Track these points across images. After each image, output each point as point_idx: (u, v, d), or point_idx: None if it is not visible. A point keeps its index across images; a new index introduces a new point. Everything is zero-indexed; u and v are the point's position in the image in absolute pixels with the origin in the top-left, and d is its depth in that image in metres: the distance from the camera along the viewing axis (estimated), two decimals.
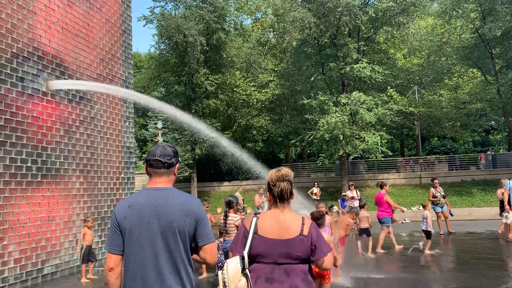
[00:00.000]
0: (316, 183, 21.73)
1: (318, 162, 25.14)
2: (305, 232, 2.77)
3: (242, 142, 39.46)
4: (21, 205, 9.01)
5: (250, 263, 2.79)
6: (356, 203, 16.26)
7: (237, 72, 29.86)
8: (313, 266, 3.00)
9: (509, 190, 12.12)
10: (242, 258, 2.75)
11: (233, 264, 2.76)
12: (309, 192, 20.72)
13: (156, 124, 39.71)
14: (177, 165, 2.86)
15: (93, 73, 11.76)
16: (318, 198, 20.22)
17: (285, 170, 2.91)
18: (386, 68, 24.80)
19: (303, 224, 2.80)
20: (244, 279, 2.72)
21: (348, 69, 22.36)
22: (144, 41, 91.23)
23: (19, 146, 9.05)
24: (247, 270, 2.74)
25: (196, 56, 24.63)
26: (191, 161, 27.21)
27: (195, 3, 27.36)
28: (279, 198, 2.84)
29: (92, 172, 11.46)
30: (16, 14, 9.17)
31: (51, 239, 9.83)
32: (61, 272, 10.04)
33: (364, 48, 24.30)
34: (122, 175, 12.97)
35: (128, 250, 2.59)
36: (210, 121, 26.67)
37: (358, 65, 22.22)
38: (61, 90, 10.35)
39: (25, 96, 9.29)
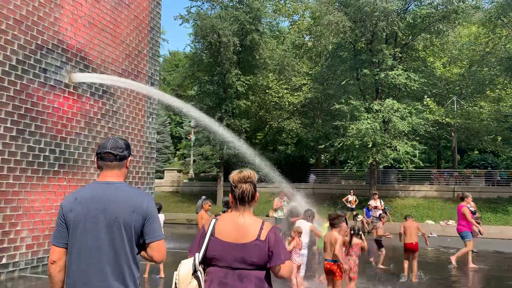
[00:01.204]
0: (352, 191, 21.15)
1: (345, 169, 24.59)
2: (262, 237, 2.67)
3: (274, 144, 39.39)
4: (36, 193, 9.25)
5: (207, 265, 2.74)
6: (378, 213, 15.75)
7: (270, 74, 29.74)
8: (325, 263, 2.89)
9: None
10: (194, 260, 2.70)
11: (186, 266, 2.70)
12: (344, 199, 20.30)
13: (190, 122, 40.33)
14: (130, 158, 2.80)
15: (118, 68, 11.97)
16: (353, 207, 19.74)
17: (248, 172, 2.82)
18: (423, 76, 23.94)
19: (261, 228, 2.71)
20: (195, 281, 2.65)
21: (382, 75, 21.76)
22: (184, 40, 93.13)
23: (38, 135, 9.30)
24: (198, 272, 2.68)
25: (229, 56, 24.71)
26: (218, 160, 27.33)
27: (231, 4, 27.49)
28: (239, 200, 2.76)
29: None
30: (43, 7, 9.45)
31: None
32: None
33: (401, 55, 23.59)
34: (142, 169, 13.13)
35: (71, 243, 2.55)
36: (240, 122, 26.65)
37: (393, 72, 21.59)
38: (84, 83, 10.58)
39: (47, 87, 9.55)
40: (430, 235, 17.76)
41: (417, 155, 23.18)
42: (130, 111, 12.51)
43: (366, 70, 22.53)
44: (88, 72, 10.77)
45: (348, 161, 24.94)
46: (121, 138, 2.76)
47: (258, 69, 27.77)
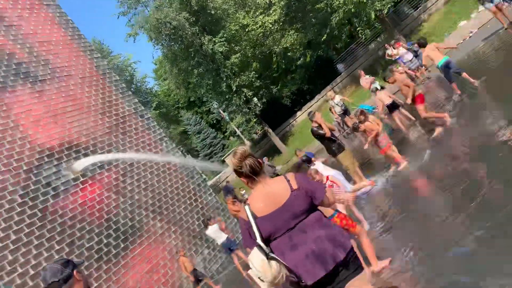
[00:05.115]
0: (387, 45, 18.64)
1: (361, 37, 23.32)
2: (295, 186, 2.75)
3: (291, 64, 38.16)
4: (123, 274, 9.81)
5: (269, 244, 2.78)
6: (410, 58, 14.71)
7: (236, 14, 28.54)
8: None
9: None
10: (260, 247, 2.73)
11: (256, 257, 2.73)
12: (386, 56, 18.14)
13: (212, 104, 40.42)
14: (75, 271, 2.74)
15: (103, 128, 12.06)
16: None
17: (240, 149, 2.91)
18: None
19: (288, 181, 2.79)
20: (273, 263, 2.69)
21: None
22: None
23: (86, 232, 9.74)
24: (271, 254, 2.72)
25: (191, 31, 24.05)
26: (256, 119, 27.29)
27: None
28: (252, 174, 2.80)
29: (170, 214, 11.93)
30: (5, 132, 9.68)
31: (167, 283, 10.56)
32: None
33: None
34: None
35: None
36: (249, 75, 26.19)
37: None
38: (88, 167, 10.77)
39: (62, 195, 9.89)
40: (470, 34, 16.47)
41: None
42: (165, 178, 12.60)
43: None
44: (84, 154, 10.96)
45: (358, 28, 23.75)
46: (57, 260, 2.74)
47: (223, 20, 26.82)
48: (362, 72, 16.75)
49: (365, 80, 15.57)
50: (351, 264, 2.68)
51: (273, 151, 28.31)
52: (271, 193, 2.75)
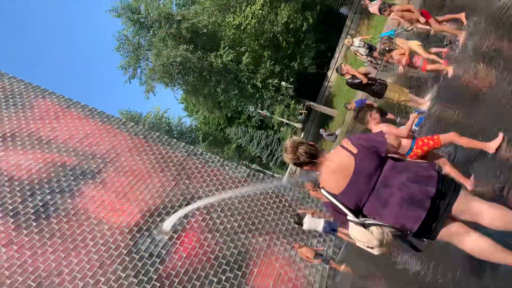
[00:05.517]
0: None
1: None
2: (355, 150, 2.76)
3: (297, 35, 37.44)
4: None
5: (359, 214, 2.81)
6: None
7: (226, 20, 28.59)
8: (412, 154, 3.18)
9: None
10: (353, 221, 2.78)
11: (356, 231, 2.79)
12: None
13: (248, 109, 40.62)
14: None
15: (170, 185, 12.56)
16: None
17: (288, 143, 2.93)
18: None
19: (346, 149, 2.80)
20: (373, 228, 2.74)
21: None
22: None
23: (204, 276, 10.17)
24: (367, 221, 2.76)
25: (195, 58, 24.41)
26: (294, 101, 27.12)
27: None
28: (312, 158, 2.84)
29: (264, 225, 12.19)
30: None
31: None
32: None
33: None
34: None
35: None
36: (266, 67, 25.97)
37: None
38: (175, 224, 11.27)
39: (164, 256, 10.41)
40: None
41: None
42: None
43: None
44: (166, 214, 11.49)
45: None
46: None
47: (218, 32, 27.03)
48: (367, 1, 16.17)
49: (373, 6, 14.98)
50: (447, 189, 2.61)
51: (326, 120, 27.99)
52: (337, 168, 2.76)
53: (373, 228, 2.69)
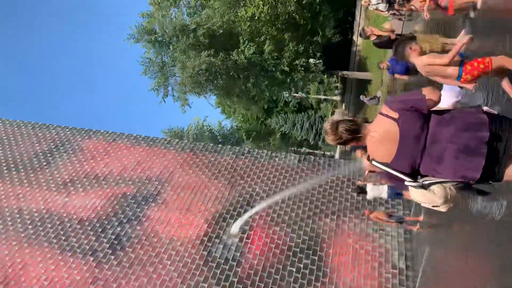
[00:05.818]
0: None
1: None
2: (396, 115, 2.68)
3: (313, 8, 36.77)
4: (337, 277, 10.11)
5: (416, 174, 2.77)
6: None
7: (239, 14, 28.51)
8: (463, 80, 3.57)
9: None
10: (411, 185, 2.75)
11: (417, 194, 2.77)
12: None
13: (282, 95, 40.46)
14: None
15: (228, 189, 12.77)
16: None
17: (327, 124, 2.90)
18: None
19: (386, 115, 2.73)
20: (434, 187, 2.70)
21: None
22: None
23: (282, 268, 10.27)
24: (426, 181, 2.71)
25: (219, 60, 24.58)
26: (326, 75, 26.69)
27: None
28: (355, 134, 2.78)
29: (328, 205, 12.14)
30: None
31: None
32: None
33: None
34: None
35: None
36: (289, 49, 25.67)
37: None
38: (241, 225, 11.45)
39: (241, 258, 10.60)
40: None
41: None
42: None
43: None
44: (230, 217, 11.69)
45: None
46: None
47: (233, 29, 27.05)
48: None
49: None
50: (502, 128, 2.47)
51: (363, 85, 27.36)
52: (382, 137, 2.69)
53: (433, 187, 2.65)
